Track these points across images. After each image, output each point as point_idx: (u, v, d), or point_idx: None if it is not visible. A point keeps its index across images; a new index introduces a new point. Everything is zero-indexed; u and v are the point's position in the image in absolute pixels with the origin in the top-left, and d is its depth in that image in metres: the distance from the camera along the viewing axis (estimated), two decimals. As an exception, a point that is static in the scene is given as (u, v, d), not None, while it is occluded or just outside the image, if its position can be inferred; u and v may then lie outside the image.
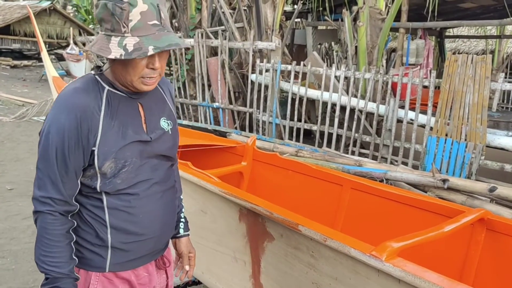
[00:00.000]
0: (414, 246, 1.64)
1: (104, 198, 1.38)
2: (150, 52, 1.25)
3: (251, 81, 6.75)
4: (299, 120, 6.27)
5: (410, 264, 1.45)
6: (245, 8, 7.30)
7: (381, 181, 3.87)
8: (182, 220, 1.73)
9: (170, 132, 1.51)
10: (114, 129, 1.36)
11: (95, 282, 1.42)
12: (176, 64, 7.59)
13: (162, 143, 1.47)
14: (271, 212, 1.89)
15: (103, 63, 1.44)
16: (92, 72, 1.42)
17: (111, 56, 1.26)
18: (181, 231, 1.71)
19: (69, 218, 1.36)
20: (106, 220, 1.39)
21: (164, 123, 1.50)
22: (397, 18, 6.58)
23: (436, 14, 6.62)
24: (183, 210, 1.74)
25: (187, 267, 1.70)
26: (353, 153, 5.71)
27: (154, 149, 1.45)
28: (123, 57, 1.26)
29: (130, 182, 1.40)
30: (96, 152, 1.33)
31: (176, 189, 1.65)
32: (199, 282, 2.71)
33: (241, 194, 2.12)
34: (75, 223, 1.38)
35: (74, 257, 1.37)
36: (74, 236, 1.38)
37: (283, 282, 1.98)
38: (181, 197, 1.74)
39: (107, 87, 1.38)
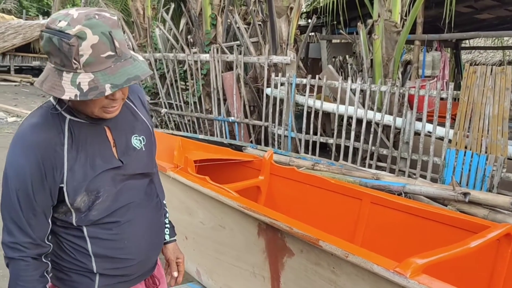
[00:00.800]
0: (438, 262, 1.60)
1: (84, 228, 1.32)
2: (108, 92, 1.14)
3: (266, 95, 6.76)
4: (315, 133, 6.24)
5: (436, 281, 1.41)
6: (260, 22, 7.35)
7: (400, 194, 3.81)
8: (167, 225, 1.65)
9: (144, 149, 1.42)
10: (81, 161, 1.27)
11: None
12: (192, 79, 7.65)
13: (136, 163, 1.39)
14: (290, 227, 1.86)
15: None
16: (51, 99, 1.30)
17: (65, 97, 1.14)
18: (167, 237, 1.64)
19: (43, 260, 1.30)
20: (89, 249, 1.33)
21: (136, 141, 1.41)
22: (412, 30, 6.55)
23: (452, 26, 6.57)
24: (167, 215, 1.66)
25: (175, 274, 1.63)
26: (370, 166, 5.64)
27: (128, 171, 1.37)
28: (78, 98, 1.14)
29: (108, 211, 1.33)
30: (65, 189, 1.25)
31: (160, 202, 1.57)
32: (217, 298, 2.68)
33: (259, 208, 2.11)
34: (49, 265, 1.32)
35: None
36: (48, 277, 1.32)
37: (304, 298, 1.94)
38: (164, 201, 1.65)
39: (68, 116, 1.28)
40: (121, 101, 1.28)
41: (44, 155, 1.22)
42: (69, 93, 1.14)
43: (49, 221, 1.29)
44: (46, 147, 1.22)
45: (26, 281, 1.27)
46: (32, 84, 18.40)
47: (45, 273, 1.31)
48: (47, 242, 1.30)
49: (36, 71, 20.20)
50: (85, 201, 1.28)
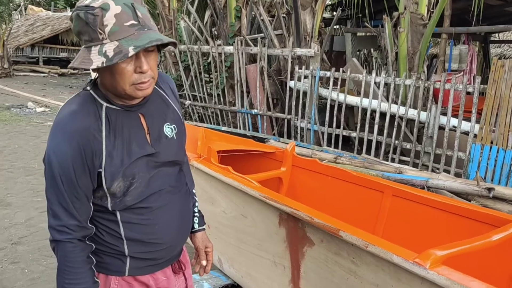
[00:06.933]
0: (459, 255, 1.60)
1: (118, 213, 1.37)
2: (131, 53, 1.18)
3: (290, 87, 6.76)
4: (338, 126, 6.22)
5: (455, 272, 1.42)
6: (284, 15, 7.33)
7: (423, 188, 3.78)
8: (196, 214, 1.68)
9: (175, 137, 1.46)
10: (118, 147, 1.31)
11: (115, 285, 1.41)
12: (216, 71, 7.71)
13: (168, 151, 1.43)
14: (311, 217, 1.89)
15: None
16: (88, 87, 1.36)
17: (93, 66, 1.20)
18: (196, 225, 1.67)
19: (87, 242, 1.35)
20: (121, 233, 1.38)
21: (168, 129, 1.45)
22: (439, 23, 6.43)
23: (480, 19, 6.43)
24: (197, 204, 1.70)
25: (204, 262, 1.66)
26: (393, 160, 5.61)
27: (160, 159, 1.40)
28: (105, 64, 1.19)
29: (141, 196, 1.37)
30: (103, 174, 1.30)
31: (190, 190, 1.61)
32: (238, 286, 2.74)
33: (281, 198, 2.14)
34: (93, 247, 1.37)
35: (96, 279, 1.37)
36: (93, 258, 1.37)
37: (323, 287, 1.97)
38: (194, 191, 1.69)
39: (104, 104, 1.32)
40: (152, 80, 1.31)
41: (84, 141, 1.26)
42: (97, 62, 1.20)
43: (91, 204, 1.34)
44: (86, 134, 1.26)
45: (75, 262, 1.31)
46: (60, 75, 18.82)
47: (90, 255, 1.36)
48: (90, 225, 1.35)
49: (63, 63, 20.63)
50: (121, 187, 1.32)
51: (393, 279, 1.60)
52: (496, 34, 11.98)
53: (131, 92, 1.28)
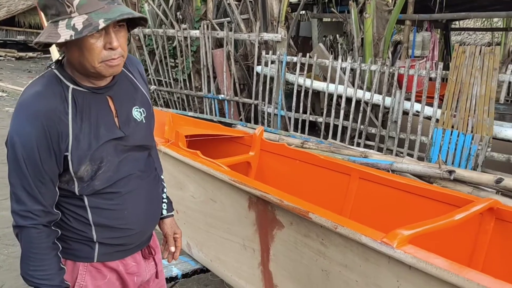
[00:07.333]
0: (424, 234, 1.64)
1: (85, 198, 1.33)
2: (101, 25, 1.14)
3: (257, 72, 6.74)
4: (304, 112, 6.26)
5: (421, 251, 1.46)
6: (251, -1, 7.28)
7: (387, 172, 3.87)
8: (165, 200, 1.67)
9: (144, 121, 1.43)
10: (85, 131, 1.27)
11: (83, 272, 1.39)
12: (182, 56, 7.58)
13: (137, 135, 1.40)
14: (281, 200, 1.89)
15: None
16: (52, 66, 1.30)
17: (61, 40, 1.15)
18: (164, 212, 1.65)
19: (53, 228, 1.31)
20: (89, 218, 1.35)
21: (137, 113, 1.42)
22: (404, 10, 6.54)
23: (443, 6, 6.58)
24: (165, 190, 1.68)
25: (172, 248, 1.66)
26: (358, 144, 5.71)
27: (129, 142, 1.38)
28: (73, 37, 1.14)
29: (110, 181, 1.34)
30: (69, 158, 1.26)
31: (158, 175, 1.59)
32: (207, 270, 2.73)
33: (250, 182, 2.13)
34: (59, 232, 1.33)
35: (62, 266, 1.34)
36: (59, 244, 1.33)
37: (292, 269, 1.99)
38: (162, 176, 1.67)
39: (71, 86, 1.27)
40: (121, 57, 1.27)
41: (50, 122, 1.22)
42: (65, 36, 1.15)
43: (57, 189, 1.30)
44: (51, 115, 1.22)
45: (40, 248, 1.27)
46: (17, 59, 18.06)
47: (56, 241, 1.32)
48: (56, 210, 1.31)
49: (21, 46, 19.83)
50: (88, 170, 1.29)
51: (361, 259, 1.63)
52: (457, 22, 12.31)
53: (100, 70, 1.24)
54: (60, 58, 1.33)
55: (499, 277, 1.30)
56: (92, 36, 1.19)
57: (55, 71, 1.29)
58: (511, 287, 1.24)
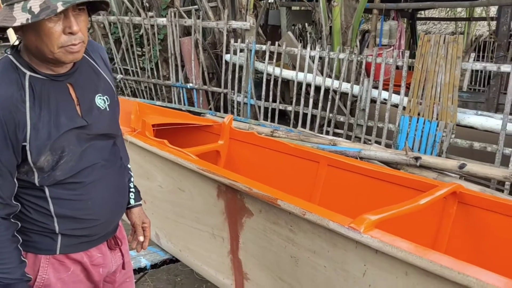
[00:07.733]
0: (390, 219, 1.67)
1: (46, 189, 1.29)
2: (60, 8, 1.09)
3: (225, 61, 6.69)
4: (274, 100, 6.27)
5: (387, 235, 1.48)
6: (219, -13, 7.18)
7: (356, 159, 3.92)
8: (132, 190, 1.63)
9: (108, 109, 1.39)
10: (44, 119, 1.22)
11: (45, 265, 1.35)
12: (149, 44, 7.44)
13: (100, 123, 1.36)
14: (250, 188, 1.89)
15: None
16: (8, 52, 1.24)
17: (17, 23, 1.10)
18: (132, 201, 1.62)
19: (12, 221, 1.27)
20: (51, 210, 1.30)
21: (100, 101, 1.37)
22: (371, -1, 6.62)
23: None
24: (132, 179, 1.65)
25: (141, 238, 1.64)
26: (327, 133, 5.76)
27: (92, 131, 1.33)
28: (30, 21, 1.09)
29: (73, 171, 1.30)
30: (27, 148, 1.21)
31: (124, 165, 1.56)
32: (177, 260, 2.71)
33: (219, 170, 2.12)
34: (19, 225, 1.29)
35: (23, 259, 1.29)
36: (19, 237, 1.29)
37: (262, 257, 2.00)
38: (129, 166, 1.64)
39: (28, 73, 1.22)
40: (82, 43, 1.22)
41: (6, 112, 1.17)
42: (20, 19, 1.10)
43: (15, 180, 1.25)
44: (7, 104, 1.17)
45: None
46: (-24, 47, 17.34)
47: (15, 233, 1.28)
48: (15, 202, 1.27)
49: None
50: (49, 161, 1.25)
51: (329, 245, 1.64)
52: (422, 12, 12.54)
53: (60, 56, 1.19)
54: (16, 44, 1.27)
55: (461, 258, 1.33)
56: (50, 20, 1.13)
57: (11, 57, 1.23)
58: (472, 267, 1.28)
